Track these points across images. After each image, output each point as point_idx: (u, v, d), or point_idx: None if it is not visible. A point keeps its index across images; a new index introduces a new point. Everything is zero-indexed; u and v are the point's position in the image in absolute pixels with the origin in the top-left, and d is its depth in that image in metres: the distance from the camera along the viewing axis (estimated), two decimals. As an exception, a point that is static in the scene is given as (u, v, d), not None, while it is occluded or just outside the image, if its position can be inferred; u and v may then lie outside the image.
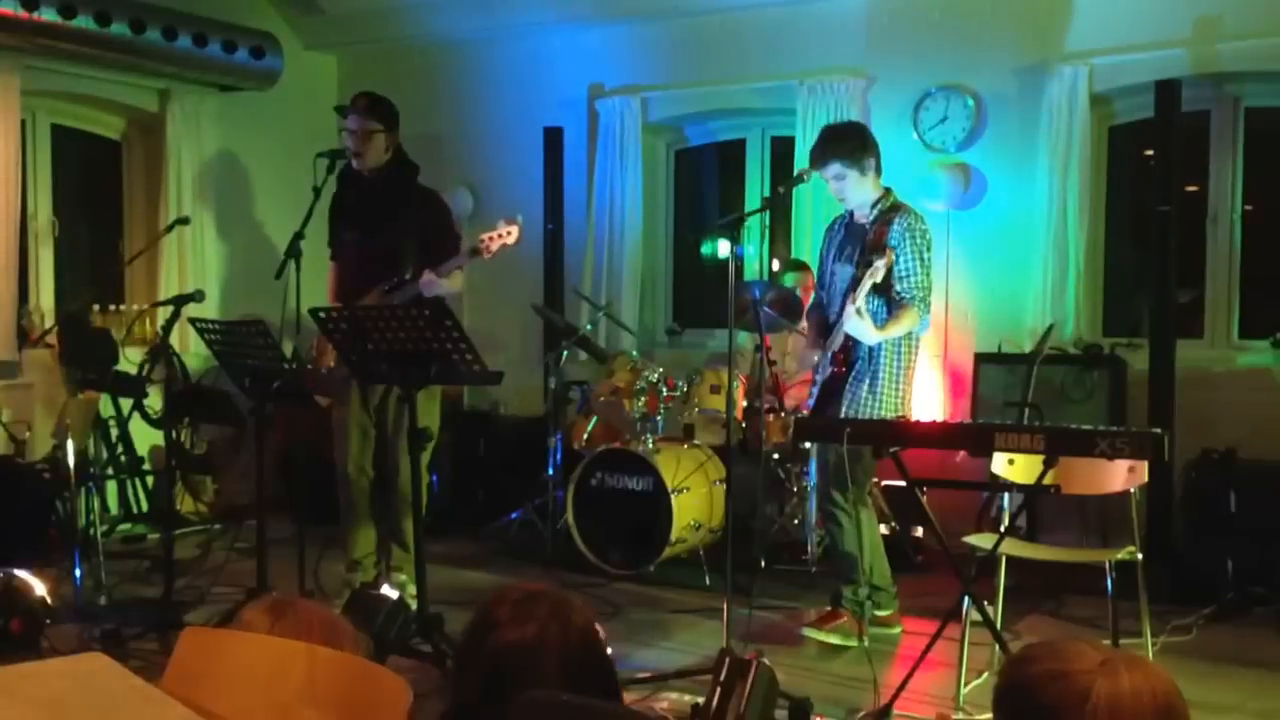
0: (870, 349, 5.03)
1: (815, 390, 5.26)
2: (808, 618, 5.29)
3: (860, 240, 5.12)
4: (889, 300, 5.02)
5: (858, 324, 4.87)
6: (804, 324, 6.53)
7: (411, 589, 5.13)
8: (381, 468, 5.68)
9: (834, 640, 5.06)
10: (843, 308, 5.01)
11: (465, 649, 2.22)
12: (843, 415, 4.98)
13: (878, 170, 5.14)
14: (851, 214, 5.24)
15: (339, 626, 2.06)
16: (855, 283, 4.94)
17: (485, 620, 2.16)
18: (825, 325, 5.28)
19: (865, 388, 5.05)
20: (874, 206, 5.12)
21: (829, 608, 5.23)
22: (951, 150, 6.91)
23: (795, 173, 5.42)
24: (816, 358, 5.32)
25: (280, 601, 2.06)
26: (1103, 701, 1.62)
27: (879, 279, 4.86)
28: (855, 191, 5.11)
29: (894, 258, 4.92)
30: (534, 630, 2.10)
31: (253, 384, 5.07)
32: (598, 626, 2.20)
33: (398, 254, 5.51)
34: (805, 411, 5.39)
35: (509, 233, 5.30)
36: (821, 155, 5.09)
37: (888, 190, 5.16)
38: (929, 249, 5.06)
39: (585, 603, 2.25)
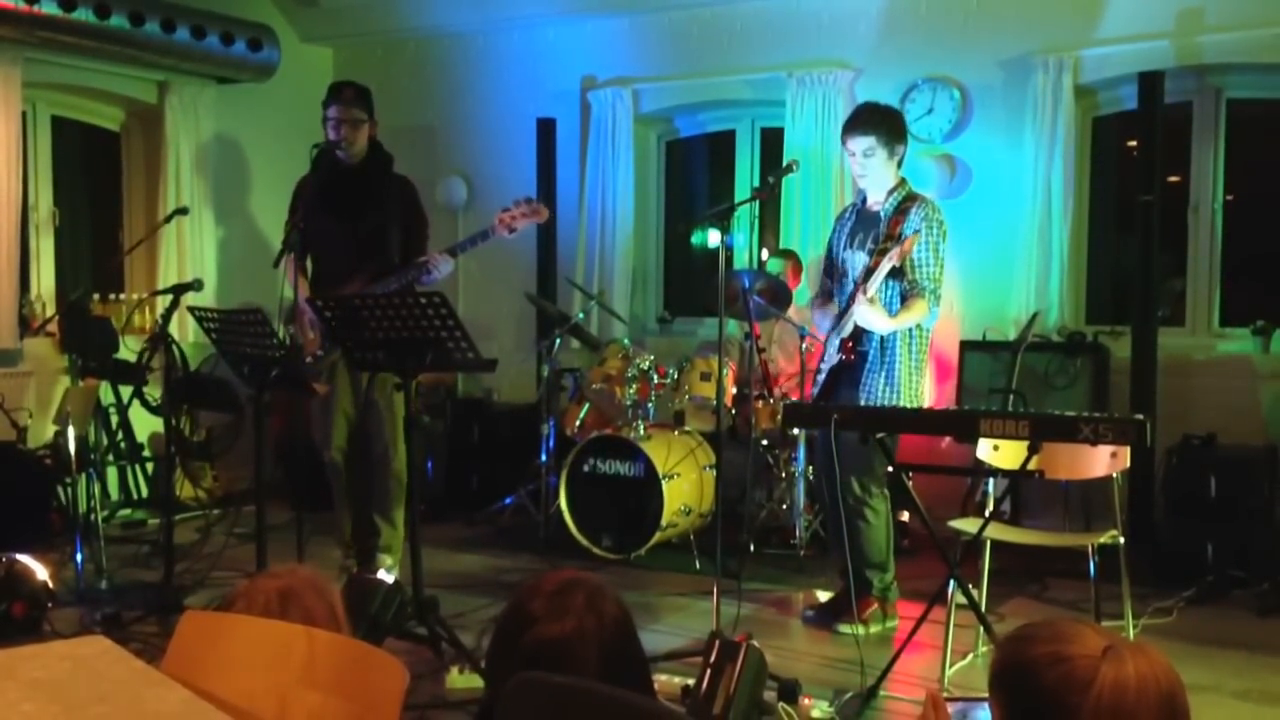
0: (883, 340, 4.95)
1: (821, 379, 5.17)
2: (814, 603, 5.34)
3: (874, 227, 5.04)
4: (902, 290, 4.95)
5: (868, 313, 4.80)
6: (792, 312, 6.59)
7: (396, 571, 5.19)
8: (364, 453, 5.68)
9: (874, 630, 5.07)
10: (854, 295, 4.95)
11: (500, 644, 2.13)
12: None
13: (901, 160, 5.09)
14: (864, 201, 5.18)
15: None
16: (869, 272, 4.88)
17: (520, 614, 2.07)
18: (835, 309, 5.21)
19: (882, 380, 4.96)
20: (890, 195, 5.05)
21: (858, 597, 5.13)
22: (938, 141, 6.97)
23: (784, 163, 5.43)
24: (818, 318, 5.35)
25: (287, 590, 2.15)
26: (1108, 688, 1.61)
27: (896, 264, 4.77)
28: (879, 173, 5.03)
29: (913, 245, 4.82)
30: (572, 624, 2.02)
31: (251, 372, 5.08)
32: (630, 613, 2.14)
33: (381, 240, 5.53)
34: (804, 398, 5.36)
35: (537, 210, 5.35)
36: (860, 126, 5.02)
37: (903, 180, 5.10)
38: (944, 240, 4.99)
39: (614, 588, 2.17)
